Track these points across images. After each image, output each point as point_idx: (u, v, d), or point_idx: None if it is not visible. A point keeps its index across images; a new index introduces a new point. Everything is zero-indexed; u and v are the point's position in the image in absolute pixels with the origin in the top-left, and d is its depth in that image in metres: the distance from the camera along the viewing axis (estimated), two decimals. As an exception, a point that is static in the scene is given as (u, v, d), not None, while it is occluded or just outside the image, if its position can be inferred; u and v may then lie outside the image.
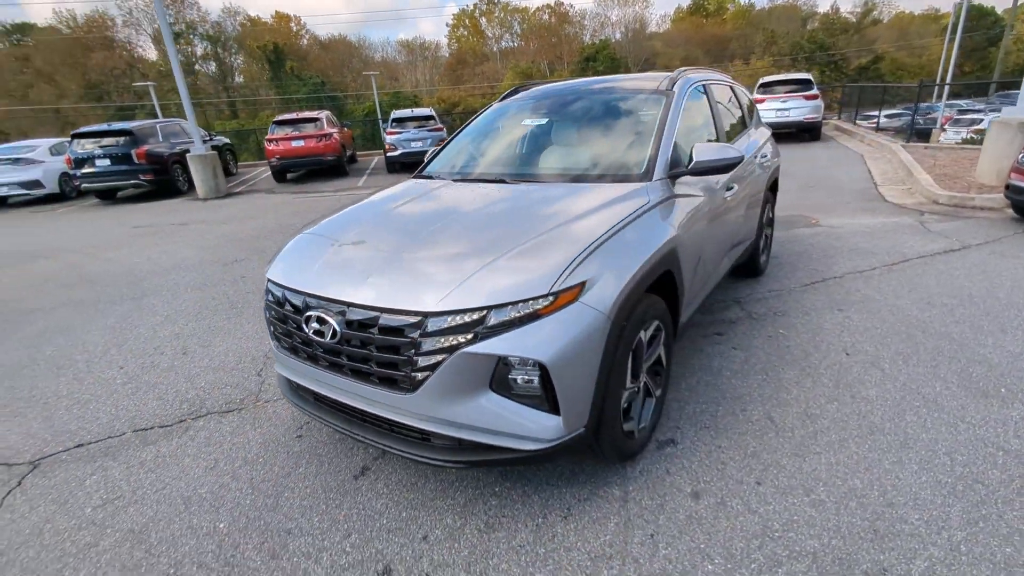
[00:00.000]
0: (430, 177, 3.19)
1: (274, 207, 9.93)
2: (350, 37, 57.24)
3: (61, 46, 43.67)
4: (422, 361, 1.86)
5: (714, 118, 3.43)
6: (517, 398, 1.90)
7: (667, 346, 2.54)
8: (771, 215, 4.60)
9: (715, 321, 3.78)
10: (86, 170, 11.53)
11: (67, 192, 13.02)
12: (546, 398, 1.88)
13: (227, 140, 16.56)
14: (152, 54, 44.18)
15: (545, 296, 1.85)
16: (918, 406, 2.64)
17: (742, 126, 4.05)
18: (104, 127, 12.05)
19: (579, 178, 2.74)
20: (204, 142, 12.37)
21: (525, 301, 1.84)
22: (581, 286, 1.91)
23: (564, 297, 1.87)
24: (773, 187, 4.59)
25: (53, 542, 2.17)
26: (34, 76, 45.52)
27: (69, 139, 12.01)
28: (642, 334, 2.25)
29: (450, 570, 1.91)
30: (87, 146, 11.58)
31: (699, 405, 2.80)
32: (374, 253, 2.20)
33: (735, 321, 3.76)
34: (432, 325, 1.85)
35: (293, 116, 12.97)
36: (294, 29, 47.37)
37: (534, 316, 1.84)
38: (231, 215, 9.41)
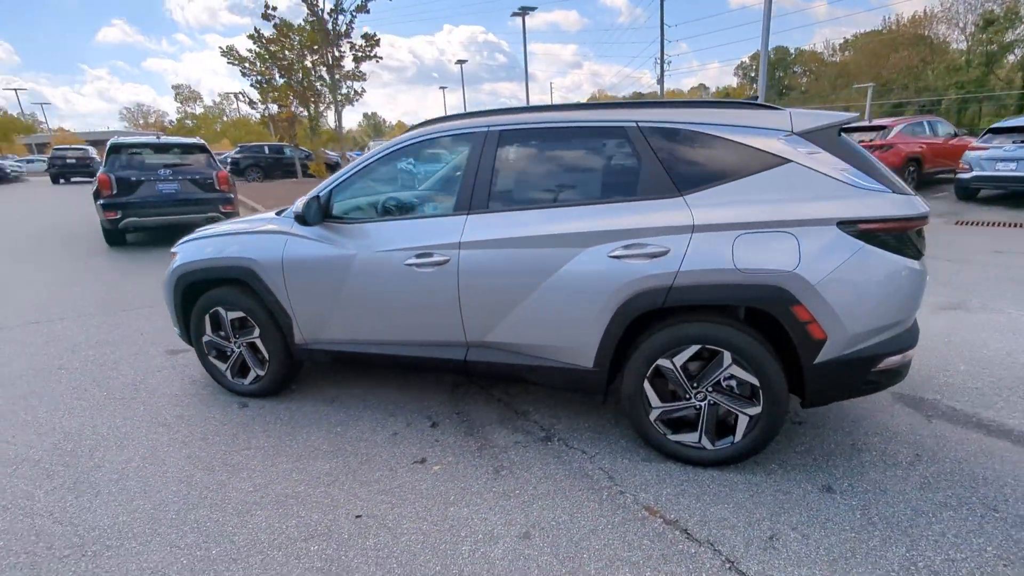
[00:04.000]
0: None
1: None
2: None
3: (874, 47, 46.25)
4: None
5: (465, 178, 2.66)
6: None
7: (264, 340, 3.20)
8: (757, 380, 2.26)
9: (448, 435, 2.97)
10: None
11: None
12: None
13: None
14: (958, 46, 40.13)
15: (171, 252, 3.49)
16: None
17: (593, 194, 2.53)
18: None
19: None
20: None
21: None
22: (175, 254, 3.38)
23: (173, 255, 3.43)
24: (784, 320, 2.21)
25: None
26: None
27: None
28: (221, 310, 3.25)
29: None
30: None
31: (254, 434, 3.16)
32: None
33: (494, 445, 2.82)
34: None
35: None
36: None
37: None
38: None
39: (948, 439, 2.60)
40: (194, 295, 3.35)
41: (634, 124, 2.44)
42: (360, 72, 11.31)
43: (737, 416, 2.35)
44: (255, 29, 10.49)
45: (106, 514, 2.31)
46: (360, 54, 10.48)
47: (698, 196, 2.30)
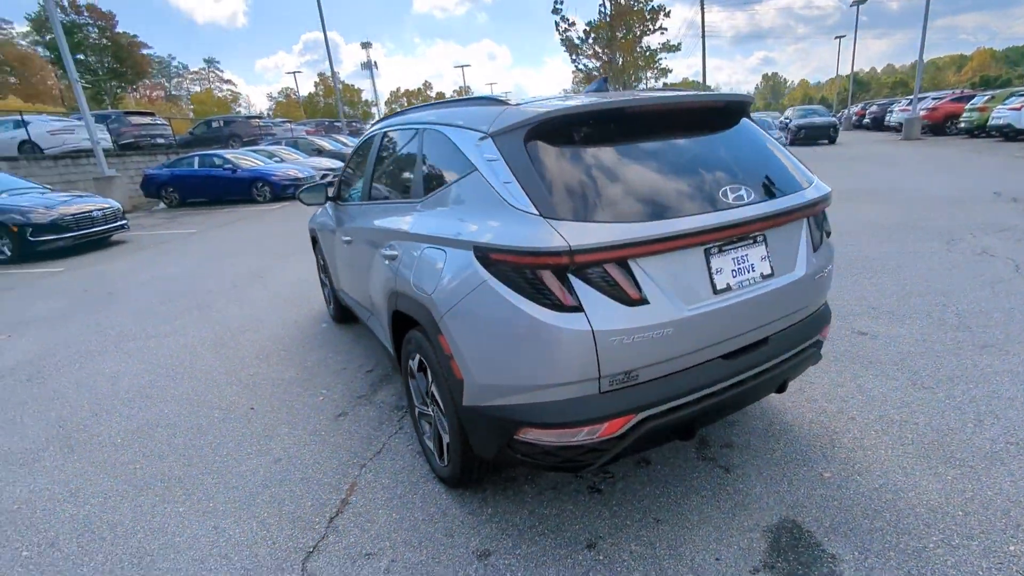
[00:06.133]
0: None
1: None
2: None
3: None
4: None
5: (373, 165, 3.00)
6: None
7: (330, 283, 4.41)
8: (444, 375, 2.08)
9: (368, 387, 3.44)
10: None
11: None
12: None
13: None
14: None
15: None
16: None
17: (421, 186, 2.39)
18: None
19: None
20: None
21: None
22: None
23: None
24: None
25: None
26: None
27: None
28: (317, 258, 4.62)
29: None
30: None
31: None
32: None
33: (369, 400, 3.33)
34: None
35: None
36: None
37: None
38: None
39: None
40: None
41: (423, 126, 2.36)
42: (672, 44, 11.06)
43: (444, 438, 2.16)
44: (560, 20, 11.62)
45: (210, 368, 3.96)
46: (641, 30, 10.27)
47: (425, 201, 2.15)
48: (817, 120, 20.17)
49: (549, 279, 1.54)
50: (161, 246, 9.34)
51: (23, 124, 15.84)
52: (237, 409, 3.21)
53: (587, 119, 1.73)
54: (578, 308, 1.53)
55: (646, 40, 13.37)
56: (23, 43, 44.47)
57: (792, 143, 19.94)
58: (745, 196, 1.74)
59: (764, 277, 1.82)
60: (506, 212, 1.65)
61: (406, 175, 2.53)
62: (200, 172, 15.48)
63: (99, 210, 9.70)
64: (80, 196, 10.40)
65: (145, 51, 50.63)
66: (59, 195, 10.08)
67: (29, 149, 15.60)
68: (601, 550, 1.89)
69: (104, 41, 44.36)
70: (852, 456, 2.24)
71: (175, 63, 64.82)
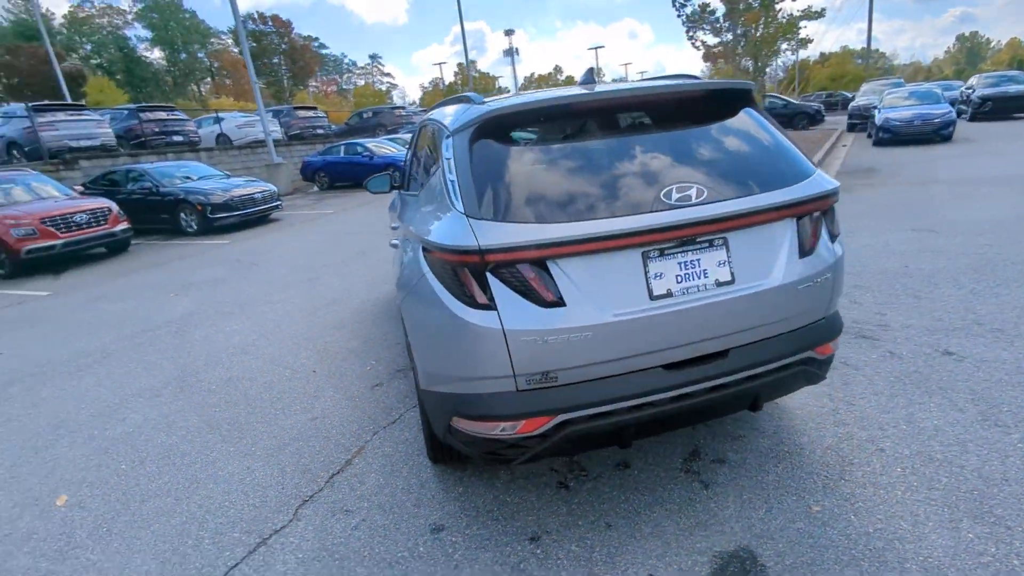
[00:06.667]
0: None
1: None
2: None
3: None
4: None
5: (411, 158, 3.18)
6: None
7: None
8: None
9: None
10: None
11: None
12: None
13: None
14: None
15: None
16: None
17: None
18: None
19: None
20: None
21: None
22: None
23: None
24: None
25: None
26: None
27: None
28: None
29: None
30: None
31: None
32: None
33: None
34: None
35: None
36: None
37: None
38: None
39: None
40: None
41: (430, 122, 2.45)
42: (813, 11, 9.67)
43: (427, 417, 2.29)
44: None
45: (297, 333, 4.58)
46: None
47: (418, 195, 2.25)
48: (1011, 89, 16.20)
49: (465, 277, 1.57)
50: (304, 224, 10.71)
51: (218, 121, 19.08)
52: (303, 371, 3.68)
53: (532, 117, 1.69)
54: (491, 306, 1.54)
55: (781, 7, 11.85)
56: (235, 50, 52.95)
57: (973, 118, 16.40)
58: (694, 196, 1.57)
59: (720, 284, 1.62)
60: (447, 209, 1.70)
61: (416, 168, 2.66)
62: (344, 159, 17.30)
63: (260, 192, 11.40)
64: (251, 181, 12.31)
65: (322, 51, 57.33)
66: (234, 180, 12.04)
67: (222, 141, 18.76)
68: (542, 544, 1.89)
69: (283, 45, 51.11)
70: (857, 493, 1.92)
71: (346, 60, 72.46)
